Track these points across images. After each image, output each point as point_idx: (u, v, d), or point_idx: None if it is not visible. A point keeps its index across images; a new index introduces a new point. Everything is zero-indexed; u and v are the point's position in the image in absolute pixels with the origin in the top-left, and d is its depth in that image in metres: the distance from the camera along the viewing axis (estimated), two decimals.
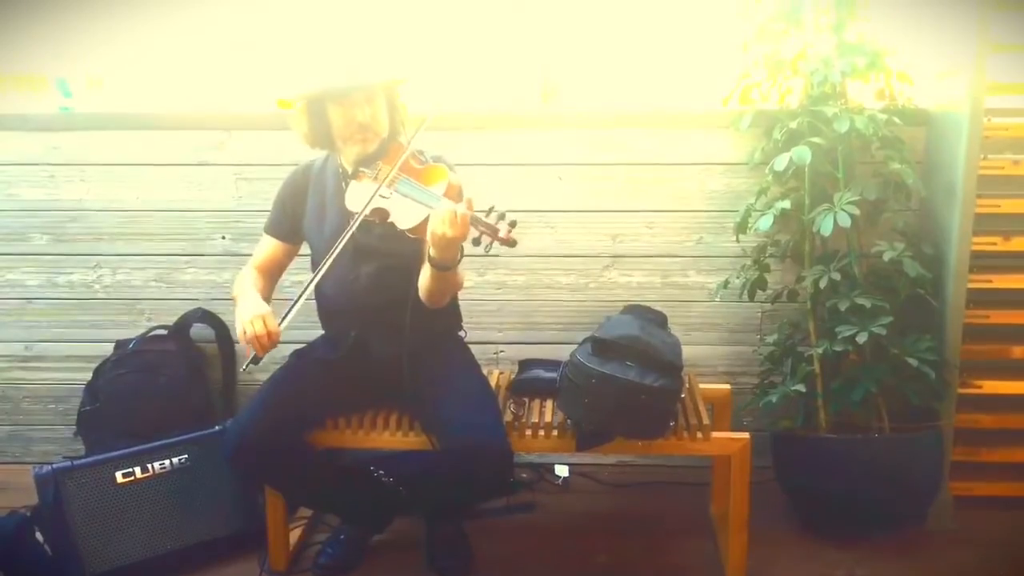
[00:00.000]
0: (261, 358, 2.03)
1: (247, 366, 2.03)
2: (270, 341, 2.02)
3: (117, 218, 2.86)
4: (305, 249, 2.34)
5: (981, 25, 2.33)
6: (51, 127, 2.82)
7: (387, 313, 2.16)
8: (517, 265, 2.82)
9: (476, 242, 1.92)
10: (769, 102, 2.65)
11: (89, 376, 2.77)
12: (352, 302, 2.21)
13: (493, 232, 1.89)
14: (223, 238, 2.86)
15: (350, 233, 2.04)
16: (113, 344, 2.83)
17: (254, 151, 2.80)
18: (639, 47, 2.99)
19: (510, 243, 1.90)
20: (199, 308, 2.87)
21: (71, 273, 2.91)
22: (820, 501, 2.50)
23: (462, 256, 2.01)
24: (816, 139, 2.41)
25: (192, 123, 2.81)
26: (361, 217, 2.05)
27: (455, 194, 2.04)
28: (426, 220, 1.96)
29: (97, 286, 2.91)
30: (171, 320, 2.85)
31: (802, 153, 2.37)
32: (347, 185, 2.17)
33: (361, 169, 2.15)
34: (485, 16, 3.03)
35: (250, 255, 2.81)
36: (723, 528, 2.43)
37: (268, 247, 2.32)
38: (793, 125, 2.48)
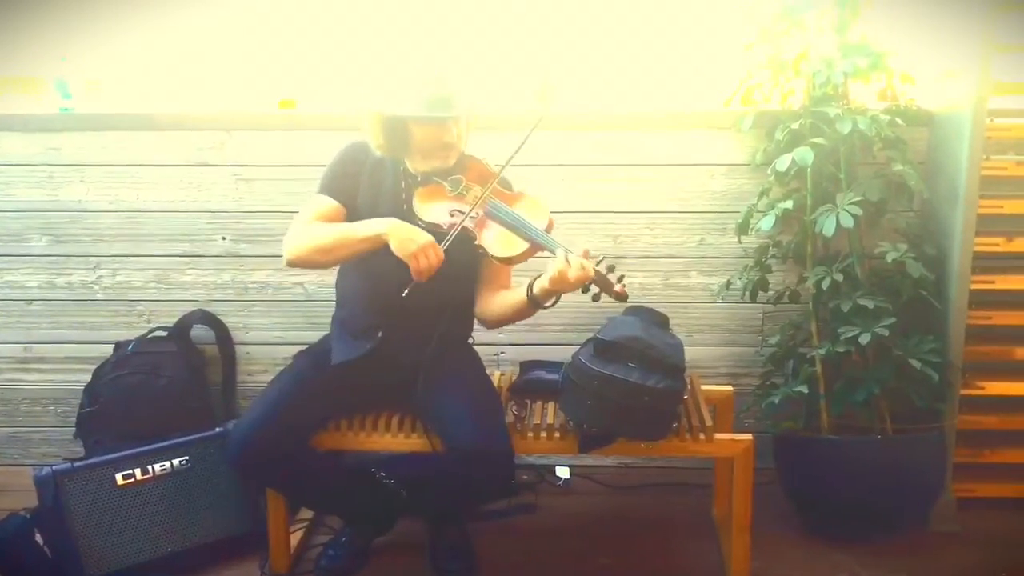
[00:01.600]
0: (423, 283, 1.99)
1: (409, 291, 1.98)
2: (438, 268, 1.99)
3: (117, 219, 2.85)
4: None
5: (984, 26, 2.33)
6: (51, 128, 2.81)
7: (419, 319, 2.16)
8: (518, 267, 2.80)
9: (585, 290, 1.95)
10: (771, 103, 2.64)
11: (88, 378, 2.76)
12: (389, 304, 2.11)
13: (607, 286, 1.95)
14: (223, 239, 2.84)
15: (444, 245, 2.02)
16: (113, 345, 2.82)
17: (254, 152, 2.79)
18: (641, 48, 2.99)
19: (623, 297, 1.96)
20: (199, 309, 2.86)
21: (70, 274, 2.89)
22: (823, 502, 2.50)
23: (559, 299, 2.03)
24: (818, 140, 2.40)
25: (192, 124, 2.80)
26: (456, 232, 2.01)
27: (552, 228, 2.06)
28: (526, 251, 1.99)
29: (97, 287, 2.90)
30: (171, 321, 2.84)
31: (804, 154, 2.37)
32: (408, 187, 2.15)
33: (435, 179, 2.13)
34: (486, 19, 3.02)
35: (251, 256, 2.84)
36: (725, 530, 2.43)
37: (326, 207, 2.17)
38: (795, 126, 2.48)
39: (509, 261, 2.03)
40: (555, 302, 2.04)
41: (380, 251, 2.02)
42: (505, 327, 2.79)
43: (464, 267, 2.16)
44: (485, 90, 2.96)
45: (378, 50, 2.97)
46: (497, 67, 3.01)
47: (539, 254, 2.04)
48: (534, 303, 2.03)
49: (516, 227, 2.02)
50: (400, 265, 1.99)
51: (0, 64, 3.11)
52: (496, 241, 2.03)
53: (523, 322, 2.80)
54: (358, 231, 2.06)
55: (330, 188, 2.20)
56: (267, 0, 3.07)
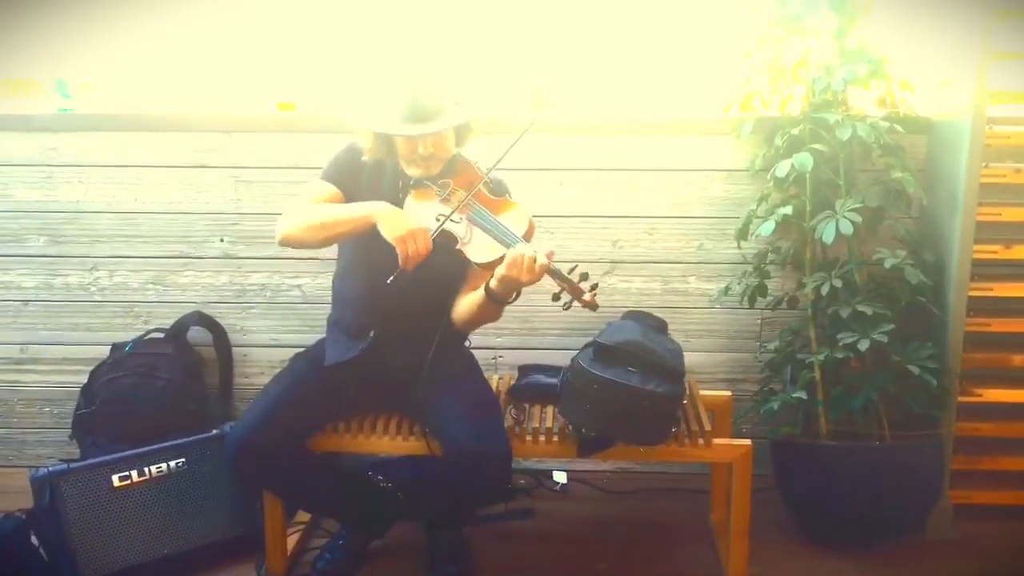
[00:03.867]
0: (409, 272, 1.99)
1: (394, 278, 1.98)
2: (423, 258, 1.99)
3: (115, 220, 2.84)
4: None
5: (983, 33, 2.33)
6: (49, 128, 2.80)
7: (412, 321, 2.16)
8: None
9: (556, 298, 1.93)
10: (770, 109, 2.65)
11: (85, 379, 2.75)
12: (382, 304, 2.16)
13: (576, 293, 1.92)
14: (221, 241, 2.84)
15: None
16: (109, 347, 2.81)
17: (253, 153, 2.78)
18: (641, 54, 2.99)
19: (592, 307, 1.93)
20: (196, 311, 2.86)
21: (68, 275, 2.89)
22: (820, 509, 2.50)
23: (519, 295, 2.02)
24: (818, 146, 2.41)
25: (191, 125, 2.79)
26: (435, 232, 2.02)
27: (531, 235, 2.06)
28: (501, 257, 1.96)
29: (94, 288, 2.89)
30: (168, 323, 2.83)
31: (804, 160, 2.38)
32: (404, 188, 2.16)
33: (427, 182, 2.13)
34: (483, 23, 3.02)
35: (249, 258, 2.84)
36: (723, 535, 2.43)
37: (327, 192, 2.19)
38: (795, 132, 2.48)
39: (487, 267, 2.01)
40: (515, 298, 2.02)
41: (376, 249, 2.02)
42: (503, 333, 2.85)
43: (454, 271, 2.16)
44: (486, 95, 2.97)
45: (377, 53, 2.97)
46: (498, 72, 3.01)
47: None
48: (491, 296, 2.00)
49: (494, 233, 2.02)
50: (390, 270, 2.00)
51: None
52: (475, 246, 2.04)
53: (522, 326, 2.85)
54: (349, 211, 2.09)
55: (331, 175, 2.22)
56: (266, 3, 3.06)
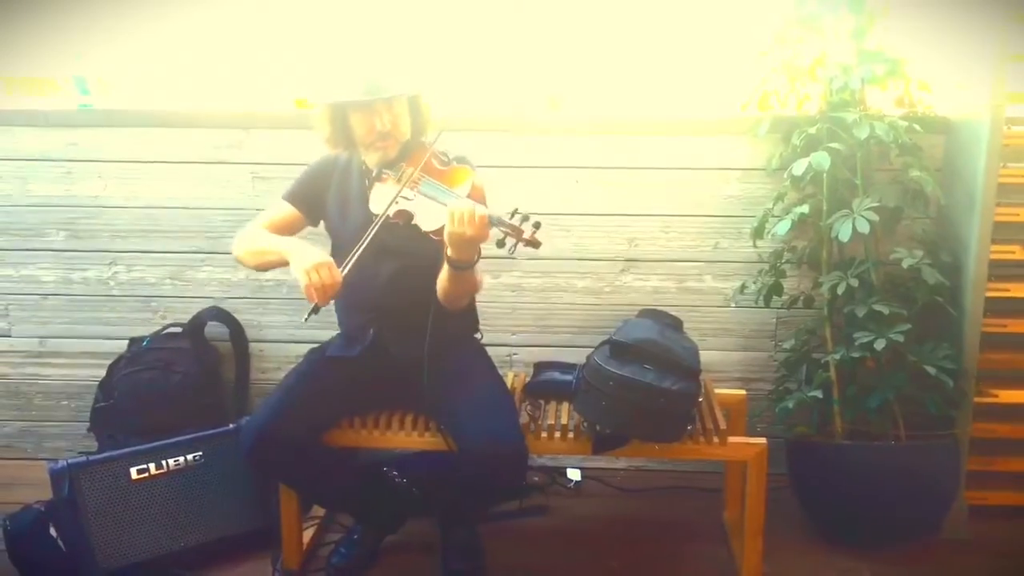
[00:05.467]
0: (321, 308, 2.00)
1: (308, 317, 1.99)
2: (334, 290, 1.99)
3: (133, 215, 2.86)
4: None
5: (1000, 35, 2.33)
6: (69, 124, 2.82)
7: (407, 313, 2.17)
8: (532, 268, 2.82)
9: (500, 244, 1.90)
10: (787, 108, 2.65)
11: (103, 373, 2.77)
12: (372, 300, 2.21)
13: (517, 233, 1.88)
14: None
15: (372, 233, 2.03)
16: (127, 341, 2.83)
17: (271, 150, 2.80)
18: (657, 53, 2.99)
19: (534, 244, 1.89)
20: (214, 306, 2.87)
21: (86, 270, 2.91)
22: (835, 508, 2.49)
23: (479, 257, 2.01)
24: (835, 145, 2.41)
25: (210, 121, 2.81)
26: (382, 219, 2.04)
27: (479, 196, 2.05)
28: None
29: (112, 283, 2.91)
30: (186, 318, 2.85)
31: (821, 159, 2.38)
32: (371, 185, 2.17)
33: (385, 171, 2.15)
34: (499, 23, 3.03)
35: None
36: (736, 534, 2.43)
37: (284, 212, 2.27)
38: (812, 131, 2.48)
39: (439, 234, 1.98)
40: (476, 258, 1.99)
41: (361, 256, 2.04)
42: (518, 330, 2.85)
43: (428, 258, 2.12)
44: (508, 95, 2.98)
45: (393, 50, 2.98)
46: (514, 71, 3.01)
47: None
48: (451, 263, 1.98)
49: (439, 198, 2.01)
50: (369, 262, 2.04)
51: (16, 64, 3.13)
52: (425, 216, 2.02)
53: (536, 324, 2.86)
54: (273, 244, 2.14)
55: (293, 195, 2.29)
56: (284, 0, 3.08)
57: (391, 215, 2.05)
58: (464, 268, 2.00)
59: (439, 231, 1.98)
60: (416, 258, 2.14)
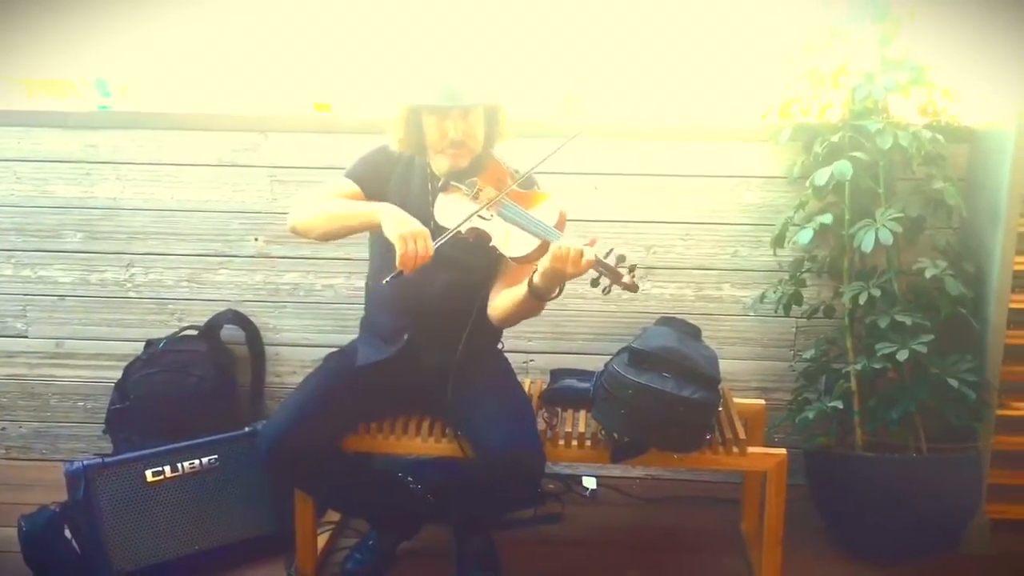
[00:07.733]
0: (407, 276, 1.95)
1: (390, 279, 1.94)
2: (424, 262, 1.94)
3: (151, 217, 2.86)
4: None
5: None
6: (89, 125, 2.83)
7: (445, 324, 2.14)
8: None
9: (595, 283, 1.88)
10: (809, 116, 2.63)
11: (119, 375, 2.77)
12: (418, 306, 2.16)
13: (616, 277, 1.86)
14: (256, 240, 2.85)
15: (442, 241, 1.98)
16: (143, 343, 2.83)
17: (289, 153, 2.80)
18: (678, 60, 2.98)
19: (632, 288, 1.87)
20: (230, 309, 2.87)
21: (103, 271, 2.91)
22: (854, 520, 2.46)
23: (562, 290, 1.99)
24: (858, 154, 2.39)
25: (228, 124, 2.81)
26: (453, 233, 1.99)
27: (563, 224, 2.02)
28: (537, 249, 1.93)
29: (129, 285, 2.91)
30: (202, 321, 2.85)
31: (843, 168, 2.36)
32: (433, 189, 2.15)
33: (453, 183, 2.11)
34: (522, 27, 3.02)
35: (282, 257, 2.85)
36: (754, 545, 2.40)
37: (347, 190, 2.16)
38: (835, 139, 2.46)
39: (522, 260, 1.98)
40: (558, 293, 1.98)
41: None
42: (535, 337, 2.84)
43: (486, 270, 2.14)
44: (524, 99, 2.97)
45: (413, 56, 2.98)
46: (536, 77, 3.01)
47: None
48: (534, 292, 1.96)
49: (527, 227, 1.98)
50: (426, 269, 1.97)
51: (37, 66, 3.14)
52: (507, 241, 2.00)
53: (553, 331, 2.84)
54: (358, 207, 2.07)
55: (356, 174, 2.20)
56: (305, 3, 3.08)
57: (462, 231, 2.01)
58: (546, 299, 1.98)
59: (525, 258, 1.96)
60: (471, 272, 2.12)
